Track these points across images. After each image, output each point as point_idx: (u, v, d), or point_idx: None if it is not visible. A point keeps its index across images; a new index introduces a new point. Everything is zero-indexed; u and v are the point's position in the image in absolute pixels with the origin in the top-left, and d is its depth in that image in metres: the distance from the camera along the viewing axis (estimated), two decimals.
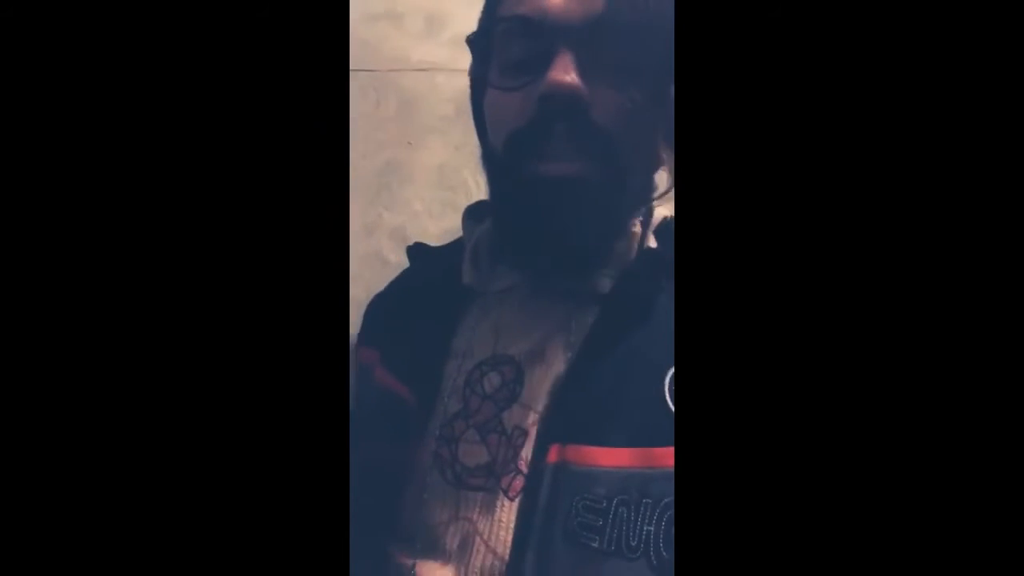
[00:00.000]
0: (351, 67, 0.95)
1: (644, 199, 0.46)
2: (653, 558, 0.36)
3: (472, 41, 0.46)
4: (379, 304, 0.57)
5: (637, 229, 0.47)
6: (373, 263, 0.83)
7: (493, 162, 0.45)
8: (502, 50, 0.42)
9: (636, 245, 0.46)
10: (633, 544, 0.36)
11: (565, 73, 0.38)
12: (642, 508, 0.37)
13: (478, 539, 0.40)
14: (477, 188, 0.74)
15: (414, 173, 0.83)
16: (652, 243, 0.47)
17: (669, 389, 0.43)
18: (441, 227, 0.81)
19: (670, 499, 0.37)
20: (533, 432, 0.41)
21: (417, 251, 0.55)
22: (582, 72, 0.38)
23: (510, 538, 0.39)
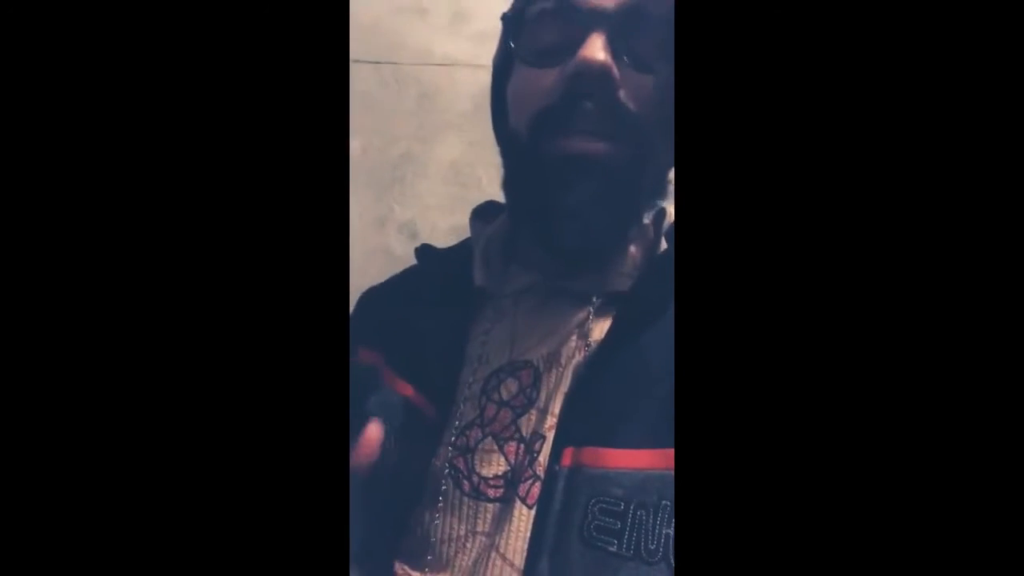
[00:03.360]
0: (375, 59, 0.95)
1: (662, 190, 0.46)
2: (672, 562, 0.35)
3: (507, 18, 0.46)
4: (373, 302, 0.55)
5: (649, 228, 0.46)
6: (380, 257, 0.83)
7: (513, 146, 0.44)
8: (535, 30, 0.42)
9: (648, 244, 0.45)
10: (652, 548, 0.35)
11: (597, 52, 0.38)
12: (660, 510, 0.36)
13: (494, 553, 0.38)
14: (490, 185, 0.74)
15: (428, 167, 0.82)
16: (664, 245, 0.45)
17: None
18: (451, 223, 0.80)
19: None
20: (551, 436, 0.40)
21: (423, 253, 0.54)
22: (613, 55, 0.39)
23: (527, 548, 0.37)
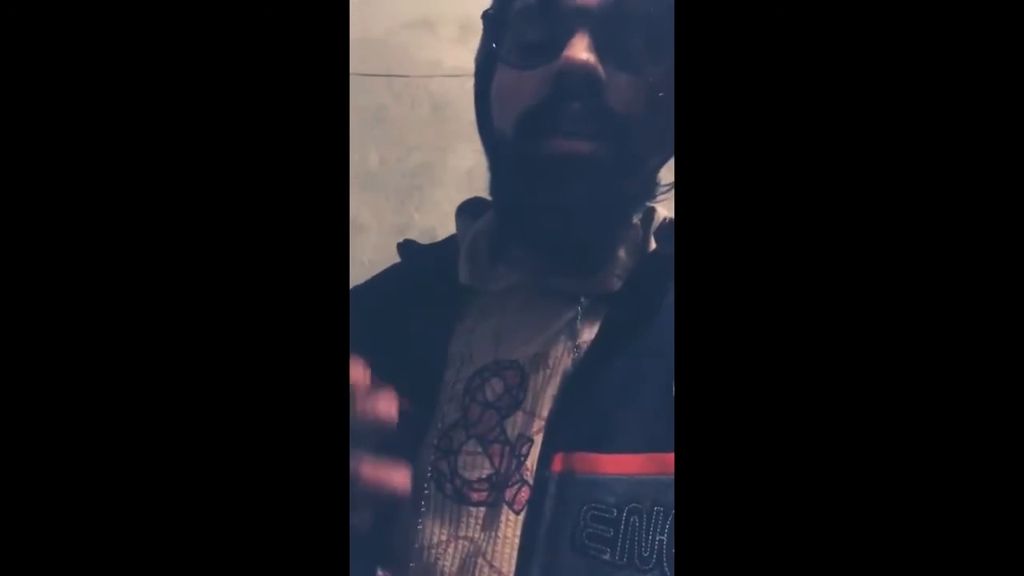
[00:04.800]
0: (387, 72, 0.97)
1: (651, 191, 0.45)
2: (666, 569, 0.34)
3: (488, 17, 0.44)
4: (357, 301, 0.50)
5: (638, 229, 0.45)
6: None
7: (498, 146, 0.44)
8: (518, 29, 0.41)
9: (638, 244, 0.44)
10: (645, 555, 0.34)
11: (582, 52, 0.37)
12: (654, 516, 0.35)
13: (480, 560, 0.37)
14: None
15: (445, 176, 0.84)
16: (652, 245, 0.44)
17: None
18: None
19: None
20: (539, 440, 0.38)
21: (407, 248, 0.52)
22: (598, 54, 0.38)
23: (516, 555, 0.36)
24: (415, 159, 0.87)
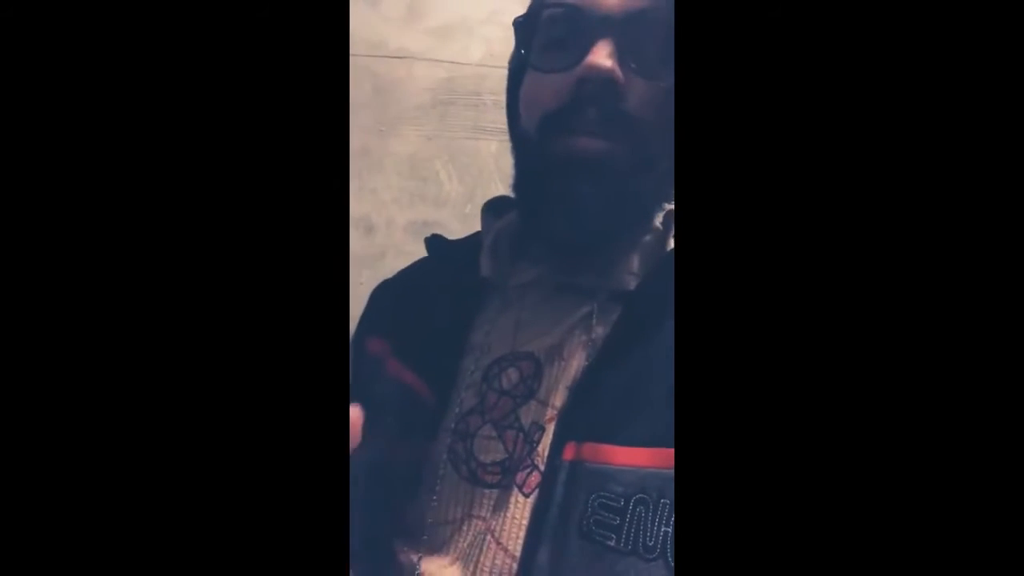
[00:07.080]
0: None
1: (667, 192, 0.47)
2: (671, 559, 0.36)
3: (519, 24, 0.47)
4: (385, 292, 0.56)
5: (659, 228, 0.47)
6: None
7: (523, 146, 0.46)
8: (545, 34, 0.44)
9: (659, 244, 0.47)
10: (650, 544, 0.36)
11: (603, 58, 0.39)
12: (660, 508, 0.36)
13: (490, 537, 0.39)
14: (448, 179, 0.73)
15: (384, 161, 0.81)
16: (672, 245, 0.46)
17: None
18: (407, 217, 0.80)
19: None
20: (550, 428, 0.41)
21: (434, 243, 0.55)
22: (619, 61, 0.40)
23: (523, 536, 0.38)
24: (353, 143, 0.83)
